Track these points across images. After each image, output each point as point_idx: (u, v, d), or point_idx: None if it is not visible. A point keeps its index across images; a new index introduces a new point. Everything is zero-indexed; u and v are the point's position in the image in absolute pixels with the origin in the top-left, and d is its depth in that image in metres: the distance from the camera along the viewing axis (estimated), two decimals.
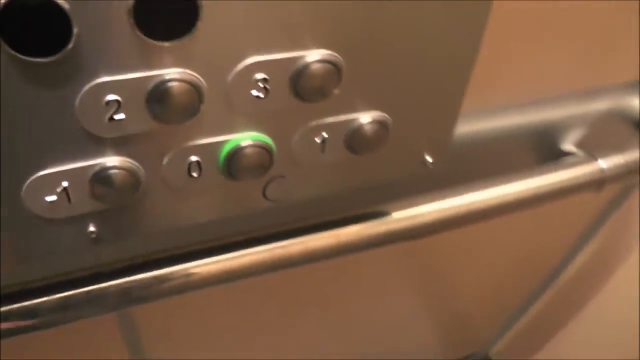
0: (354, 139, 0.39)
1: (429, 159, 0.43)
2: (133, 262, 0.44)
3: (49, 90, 0.30)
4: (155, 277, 0.44)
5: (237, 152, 0.36)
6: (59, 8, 0.27)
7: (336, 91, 0.35)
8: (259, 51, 0.32)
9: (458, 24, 0.36)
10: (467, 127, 0.53)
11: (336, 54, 0.34)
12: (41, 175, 0.32)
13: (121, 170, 0.34)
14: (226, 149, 0.35)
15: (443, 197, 0.53)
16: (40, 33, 0.27)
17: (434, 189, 0.53)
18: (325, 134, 0.38)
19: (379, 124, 0.39)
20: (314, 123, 0.37)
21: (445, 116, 0.41)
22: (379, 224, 0.51)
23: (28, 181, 0.32)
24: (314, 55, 0.33)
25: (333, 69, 0.34)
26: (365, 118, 0.38)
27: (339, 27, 0.33)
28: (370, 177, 0.43)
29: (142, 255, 0.45)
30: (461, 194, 0.53)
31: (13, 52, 0.27)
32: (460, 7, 0.35)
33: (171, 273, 0.45)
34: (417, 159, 0.43)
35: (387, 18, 0.34)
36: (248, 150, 0.36)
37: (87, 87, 0.30)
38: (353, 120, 0.38)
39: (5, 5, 0.25)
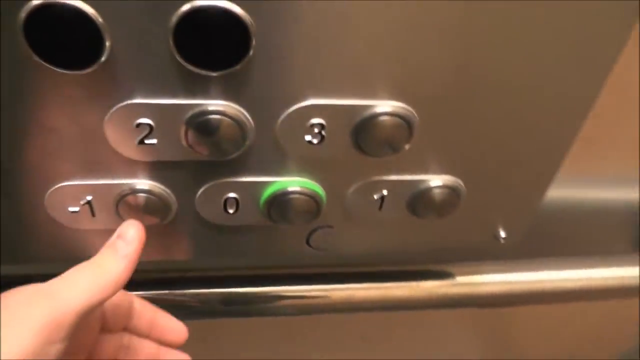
0: (419, 201, 0.33)
1: (502, 233, 0.37)
2: None
3: (79, 105, 0.26)
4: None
5: (280, 197, 0.31)
6: (90, 20, 0.23)
7: (406, 147, 0.30)
8: (318, 94, 0.27)
9: (569, 90, 0.30)
10: (557, 193, 0.46)
11: (409, 108, 0.28)
12: (63, 186, 0.30)
13: (150, 196, 0.31)
14: (269, 191, 0.31)
15: (517, 268, 0.46)
16: (72, 45, 0.24)
17: (507, 257, 0.47)
18: (385, 192, 0.33)
19: (450, 190, 0.33)
20: (374, 178, 0.32)
21: (530, 193, 0.35)
22: (446, 285, 0.46)
23: (52, 189, 0.30)
24: (383, 107, 0.28)
25: (403, 124, 0.29)
26: (435, 182, 0.33)
27: (415, 80, 0.28)
28: (432, 243, 0.37)
29: None
30: (540, 269, 0.46)
31: (42, 62, 0.24)
32: (574, 73, 0.29)
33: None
34: (488, 232, 0.37)
35: (475, 75, 0.28)
36: (293, 197, 0.31)
37: (118, 106, 0.26)
38: (421, 181, 0.33)
39: (32, 13, 0.22)
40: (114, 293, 0.28)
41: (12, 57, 0.24)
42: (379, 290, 0.43)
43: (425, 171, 0.32)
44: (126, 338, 0.35)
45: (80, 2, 0.23)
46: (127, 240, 0.30)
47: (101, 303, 0.28)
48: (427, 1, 0.25)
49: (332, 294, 0.43)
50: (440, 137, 0.31)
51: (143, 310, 0.35)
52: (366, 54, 0.26)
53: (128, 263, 0.29)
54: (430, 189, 0.33)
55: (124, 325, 0.35)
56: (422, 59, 0.27)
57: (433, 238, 0.37)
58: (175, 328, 0.36)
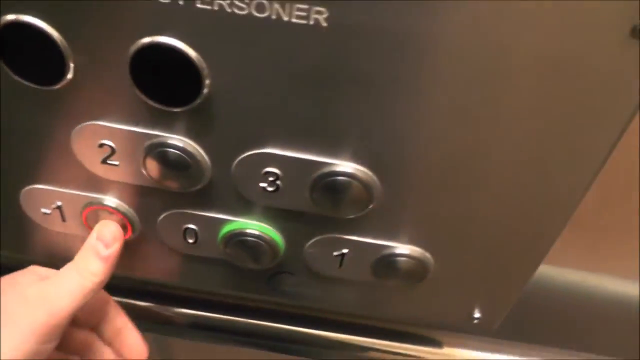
0: (382, 267, 0.32)
1: (477, 314, 0.35)
2: None
3: (49, 118, 0.28)
4: None
5: (236, 237, 0.31)
6: (54, 43, 0.24)
7: (363, 212, 0.29)
8: (275, 143, 0.27)
9: (558, 180, 0.28)
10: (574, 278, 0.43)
11: (367, 171, 0.27)
12: (35, 188, 0.31)
13: (113, 214, 0.32)
14: (227, 228, 0.31)
15: (512, 351, 0.43)
16: (42, 63, 0.25)
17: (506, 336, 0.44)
18: (345, 250, 0.32)
19: (417, 261, 0.31)
20: (334, 235, 0.31)
21: (511, 278, 0.32)
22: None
23: (25, 189, 0.31)
24: (342, 167, 0.27)
25: (361, 188, 0.28)
26: (400, 250, 0.31)
27: (381, 148, 0.27)
28: (398, 312, 0.36)
29: None
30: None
31: (15, 76, 0.26)
32: (564, 163, 0.27)
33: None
34: (461, 310, 0.35)
35: (449, 153, 0.27)
36: (249, 240, 0.31)
37: (83, 124, 0.28)
38: (384, 247, 0.31)
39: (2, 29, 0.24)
40: (97, 293, 0.31)
41: None
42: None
43: (391, 238, 0.31)
44: (90, 338, 0.35)
45: (46, 25, 0.24)
46: (107, 242, 0.31)
47: (86, 303, 0.30)
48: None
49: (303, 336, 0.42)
50: (407, 207, 0.29)
51: (115, 316, 0.36)
52: (329, 113, 0.26)
53: (110, 264, 0.31)
54: (394, 256, 0.31)
55: (94, 324, 0.35)
56: (391, 129, 0.26)
57: (400, 309, 0.36)
58: (136, 347, 0.36)
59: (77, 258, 0.31)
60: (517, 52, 0.23)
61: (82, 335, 0.35)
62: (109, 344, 0.36)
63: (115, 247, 0.31)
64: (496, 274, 0.33)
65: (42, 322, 0.28)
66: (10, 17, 0.24)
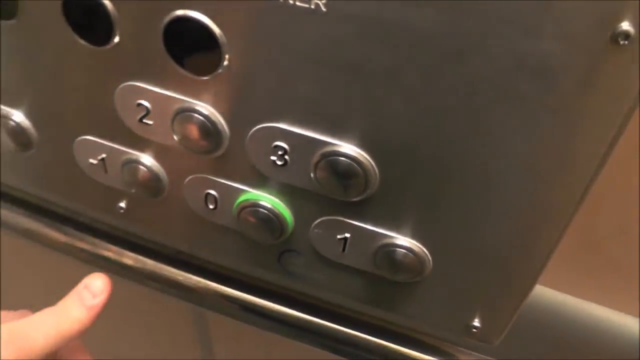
0: (381, 256, 0.33)
1: (476, 323, 0.35)
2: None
3: (97, 75, 0.32)
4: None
5: (248, 207, 0.34)
6: (105, 9, 0.28)
7: (359, 197, 0.30)
8: (287, 119, 0.30)
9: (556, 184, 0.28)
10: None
11: (369, 159, 0.29)
12: (87, 139, 0.36)
13: (147, 171, 0.35)
14: (242, 198, 0.34)
15: None
16: (96, 26, 0.29)
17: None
18: (347, 235, 0.33)
19: (413, 255, 0.32)
20: (338, 218, 0.33)
21: (512, 286, 0.33)
22: None
23: (79, 138, 0.36)
24: (344, 149, 0.29)
25: (360, 172, 0.29)
26: (399, 241, 0.32)
27: (383, 136, 0.28)
28: (398, 311, 0.37)
29: None
30: None
31: (77, 37, 0.30)
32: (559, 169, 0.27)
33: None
34: (460, 318, 0.35)
35: (452, 150, 0.28)
36: (259, 210, 0.34)
37: (124, 84, 0.31)
38: (384, 236, 0.33)
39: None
40: (75, 339, 0.32)
41: (53, 33, 0.30)
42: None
43: (392, 229, 0.32)
44: None
45: None
46: (94, 292, 0.33)
47: (62, 346, 0.31)
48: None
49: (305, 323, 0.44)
50: (405, 200, 0.31)
51: None
52: (332, 95, 0.28)
53: (92, 314, 0.32)
54: (393, 246, 0.33)
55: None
56: (390, 119, 0.28)
57: (398, 306, 0.37)
58: None
59: (60, 303, 0.32)
60: (504, 56, 0.24)
61: None
62: None
63: (101, 298, 0.32)
64: (495, 282, 0.33)
65: (9, 357, 0.28)
66: None
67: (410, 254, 0.32)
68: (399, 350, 0.43)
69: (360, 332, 0.43)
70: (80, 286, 0.33)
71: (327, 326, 0.43)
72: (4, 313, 0.32)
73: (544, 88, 0.25)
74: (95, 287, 0.33)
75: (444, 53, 0.24)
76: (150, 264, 0.45)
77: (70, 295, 0.32)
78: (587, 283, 0.42)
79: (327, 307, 0.43)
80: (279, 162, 0.31)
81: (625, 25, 0.22)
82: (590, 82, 0.24)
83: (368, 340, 0.43)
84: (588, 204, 0.38)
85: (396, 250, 0.33)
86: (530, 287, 0.32)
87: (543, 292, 0.43)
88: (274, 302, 0.44)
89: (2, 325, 0.29)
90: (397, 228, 0.32)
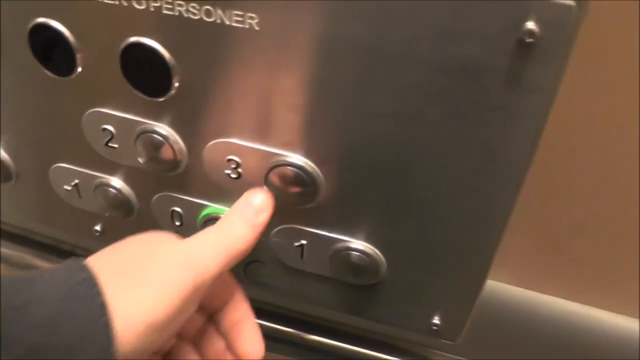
0: (337, 261, 0.35)
1: (436, 320, 0.37)
2: None
3: (65, 104, 0.35)
4: None
5: (210, 222, 0.36)
6: (66, 40, 0.31)
7: (309, 204, 0.33)
8: (237, 134, 0.32)
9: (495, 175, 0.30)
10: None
11: (314, 166, 0.31)
12: (61, 166, 0.38)
13: (116, 192, 0.38)
14: (204, 212, 0.36)
15: None
16: (60, 58, 0.32)
17: None
18: (304, 242, 0.35)
19: (368, 258, 0.34)
20: (294, 226, 0.35)
21: (465, 279, 0.34)
22: None
23: (53, 166, 0.39)
24: (292, 159, 0.32)
25: (306, 179, 0.32)
26: (354, 245, 0.34)
27: (326, 144, 0.31)
28: (360, 312, 0.38)
29: None
30: None
31: (43, 68, 0.33)
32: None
33: None
34: (421, 317, 0.37)
35: (393, 153, 0.30)
36: None
37: (89, 111, 0.34)
38: (338, 240, 0.35)
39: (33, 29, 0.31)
40: (239, 261, 0.30)
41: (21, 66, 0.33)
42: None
43: (344, 232, 0.34)
44: (206, 325, 0.34)
45: (61, 26, 0.31)
46: (257, 209, 0.31)
47: (230, 267, 0.29)
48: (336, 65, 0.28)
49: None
50: (355, 204, 0.33)
51: (237, 306, 0.33)
52: (279, 106, 0.30)
53: (257, 232, 0.30)
54: (348, 250, 0.35)
55: (214, 310, 0.33)
56: (338, 127, 0.30)
57: (361, 309, 0.38)
58: (253, 343, 0.33)
59: (222, 223, 0.30)
60: (430, 61, 0.26)
61: (199, 320, 0.34)
62: (225, 335, 0.33)
63: (265, 215, 0.31)
64: (448, 279, 0.35)
65: (191, 283, 0.26)
66: (40, 20, 0.31)
67: (365, 257, 0.34)
68: (373, 355, 0.44)
69: (335, 340, 0.45)
70: (240, 203, 0.31)
71: (301, 336, 0.45)
72: (153, 234, 0.29)
73: (470, 89, 0.27)
74: (257, 204, 0.31)
75: (375, 62, 0.27)
76: None
77: (232, 214, 0.30)
78: (550, 280, 0.43)
79: (303, 318, 0.45)
80: (233, 175, 0.33)
81: (530, 25, 0.24)
82: (509, 80, 0.26)
83: (341, 347, 0.45)
84: (546, 202, 0.40)
85: (351, 254, 0.35)
86: (481, 281, 0.34)
87: (511, 291, 0.45)
88: None
89: (168, 246, 0.28)
90: (350, 232, 0.34)
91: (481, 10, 0.24)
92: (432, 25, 0.25)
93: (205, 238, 0.29)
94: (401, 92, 0.28)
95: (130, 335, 0.24)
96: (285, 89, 0.29)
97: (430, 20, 0.25)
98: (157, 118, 0.33)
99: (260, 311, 0.43)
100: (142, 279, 0.26)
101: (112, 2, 0.29)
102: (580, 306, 0.43)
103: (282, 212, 0.34)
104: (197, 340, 0.33)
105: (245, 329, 0.32)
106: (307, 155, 0.31)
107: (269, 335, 0.42)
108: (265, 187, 0.33)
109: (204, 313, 0.34)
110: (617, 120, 0.35)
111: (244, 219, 0.30)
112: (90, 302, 0.24)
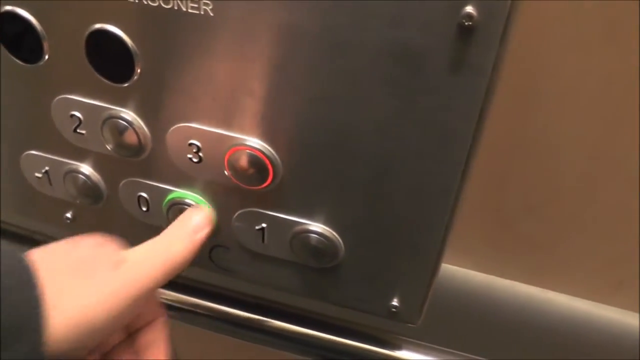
0: (297, 243, 0.37)
1: (395, 303, 0.38)
2: None
3: (34, 91, 0.36)
4: None
5: (174, 205, 0.37)
6: (33, 27, 0.33)
7: (265, 185, 0.34)
8: (197, 118, 0.33)
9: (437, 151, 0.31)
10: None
11: (270, 149, 0.33)
12: (31, 153, 0.39)
13: (85, 179, 0.39)
14: (169, 197, 0.38)
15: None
16: (27, 45, 0.34)
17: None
18: (264, 225, 0.37)
19: (328, 241, 0.36)
20: (254, 209, 0.36)
21: (418, 261, 0.36)
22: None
23: (24, 153, 0.40)
24: (249, 142, 0.33)
25: (262, 161, 0.33)
26: (312, 227, 0.36)
27: (282, 126, 0.32)
28: (323, 296, 0.40)
29: None
30: None
31: (10, 54, 0.34)
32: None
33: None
34: (381, 300, 0.38)
35: (346, 134, 0.31)
36: (184, 207, 0.37)
37: (58, 97, 0.35)
38: (297, 223, 0.36)
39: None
40: (175, 275, 0.30)
41: None
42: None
43: (302, 215, 0.36)
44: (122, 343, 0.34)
45: (27, 13, 0.32)
46: (196, 226, 0.33)
47: (165, 282, 0.30)
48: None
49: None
50: (311, 186, 0.34)
51: (155, 329, 0.34)
52: (231, 92, 0.32)
53: (194, 249, 0.32)
54: (306, 232, 0.36)
55: (134, 329, 0.34)
56: (289, 110, 0.32)
57: (324, 293, 0.39)
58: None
59: (161, 236, 0.31)
60: (375, 46, 0.28)
61: (119, 336, 0.34)
62: (136, 353, 0.34)
63: (204, 233, 0.33)
64: (404, 260, 0.36)
65: (127, 287, 0.27)
66: (7, 8, 0.33)
67: (323, 239, 0.36)
68: (338, 341, 0.45)
69: (302, 327, 0.46)
70: (181, 219, 0.33)
71: (265, 322, 0.46)
72: (99, 238, 0.30)
73: (413, 72, 0.28)
74: (197, 221, 0.33)
75: (323, 48, 0.29)
76: None
77: (173, 229, 0.32)
78: (509, 265, 0.45)
79: (267, 304, 0.46)
80: (194, 159, 0.35)
81: (469, 9, 0.26)
82: (451, 63, 0.28)
83: (310, 335, 0.46)
84: (498, 187, 0.41)
85: (310, 236, 0.36)
86: (435, 263, 0.36)
87: (473, 277, 0.46)
88: (207, 300, 0.46)
89: (112, 253, 0.28)
90: (309, 215, 0.36)
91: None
92: (376, 12, 0.27)
93: (145, 250, 0.30)
94: (348, 77, 0.29)
95: (63, 330, 0.25)
96: (240, 75, 0.31)
97: (375, 7, 0.27)
98: (122, 104, 0.34)
99: (224, 297, 0.44)
100: (83, 278, 0.27)
101: None
102: (539, 290, 0.44)
103: (242, 195, 0.36)
104: (107, 355, 0.34)
105: (159, 352, 0.33)
106: (263, 138, 0.33)
107: (234, 322, 0.44)
108: (207, 205, 0.36)
109: (125, 331, 0.34)
110: (571, 103, 0.37)
111: (183, 234, 0.32)
112: (27, 292, 0.24)
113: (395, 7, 0.27)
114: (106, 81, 0.33)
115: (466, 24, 0.26)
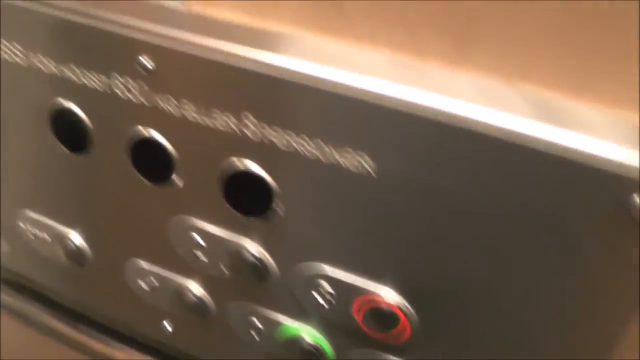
0: None
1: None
2: None
3: (154, 208, 0.34)
4: None
5: (292, 339, 0.35)
6: (169, 155, 0.31)
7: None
8: (329, 262, 0.31)
9: None
10: None
11: (405, 302, 0.30)
12: (138, 262, 0.38)
13: (194, 298, 0.37)
14: (285, 329, 0.35)
15: None
16: (157, 167, 0.32)
17: None
18: None
19: None
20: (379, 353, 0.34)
21: None
22: None
23: (129, 260, 0.38)
24: (383, 292, 0.31)
25: (396, 315, 0.31)
26: None
27: (417, 274, 0.30)
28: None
29: None
30: None
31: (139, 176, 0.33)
32: None
33: None
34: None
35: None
36: (304, 343, 0.35)
37: (179, 216, 0.34)
38: None
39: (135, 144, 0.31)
40: None
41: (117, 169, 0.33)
42: None
43: None
44: None
45: (164, 139, 0.31)
46: None
47: None
48: None
49: None
50: (446, 346, 0.31)
51: None
52: (377, 247, 0.29)
53: None
54: None
55: None
56: (429, 268, 0.29)
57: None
58: None
59: None
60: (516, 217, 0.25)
61: None
62: None
63: None
64: None
65: None
66: (144, 134, 0.31)
67: None
68: None
69: None
70: None
71: None
72: None
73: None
74: None
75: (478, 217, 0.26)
76: None
77: None
78: None
79: None
80: (320, 300, 0.32)
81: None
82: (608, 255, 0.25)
83: None
84: None
85: None
86: None
87: None
88: None
89: None
90: None
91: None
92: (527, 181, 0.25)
93: None
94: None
95: None
96: (387, 229, 0.28)
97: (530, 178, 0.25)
98: (249, 235, 0.32)
99: None
100: None
101: (226, 130, 0.29)
102: None
103: (365, 341, 0.33)
104: None
105: None
106: (400, 290, 0.30)
107: None
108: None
109: None
110: None
111: None
112: None
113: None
114: (238, 214, 0.31)
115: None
